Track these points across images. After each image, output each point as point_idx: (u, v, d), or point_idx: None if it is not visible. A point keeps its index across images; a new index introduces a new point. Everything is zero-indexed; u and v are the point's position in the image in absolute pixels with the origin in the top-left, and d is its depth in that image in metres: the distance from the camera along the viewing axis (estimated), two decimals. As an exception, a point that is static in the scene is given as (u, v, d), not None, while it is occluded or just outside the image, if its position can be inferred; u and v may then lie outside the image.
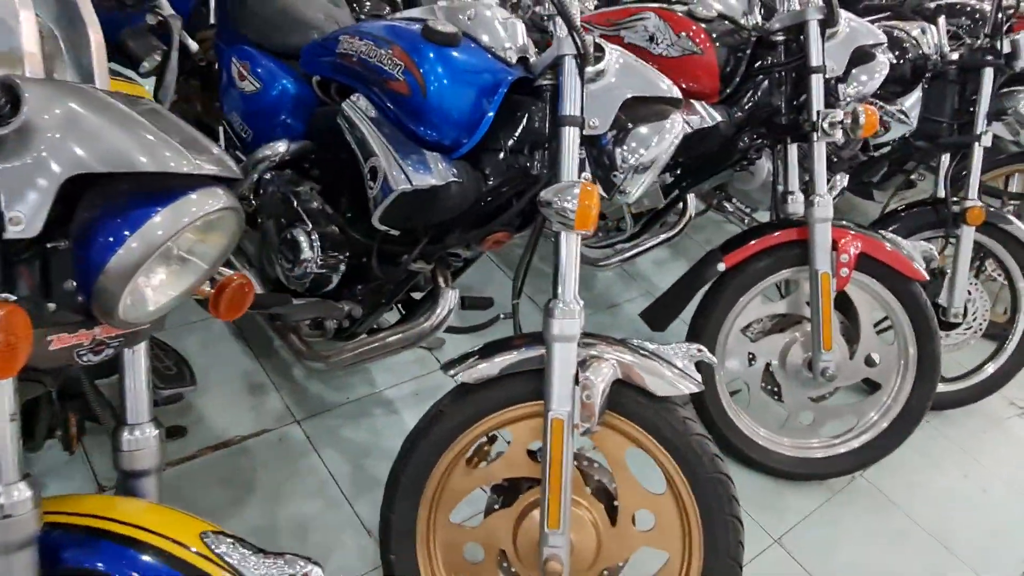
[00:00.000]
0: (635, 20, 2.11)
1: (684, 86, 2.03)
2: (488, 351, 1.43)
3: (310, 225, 1.69)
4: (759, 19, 2.07)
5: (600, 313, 2.67)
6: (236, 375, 2.07)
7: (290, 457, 1.90)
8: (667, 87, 1.42)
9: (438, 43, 1.46)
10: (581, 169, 1.43)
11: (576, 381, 1.34)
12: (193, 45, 1.38)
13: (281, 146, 1.75)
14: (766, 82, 2.05)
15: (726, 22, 2.06)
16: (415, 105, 1.48)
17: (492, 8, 1.51)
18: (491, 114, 1.46)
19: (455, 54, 1.46)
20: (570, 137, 1.34)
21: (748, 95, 2.08)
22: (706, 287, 2.10)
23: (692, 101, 2.07)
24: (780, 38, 2.02)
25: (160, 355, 1.76)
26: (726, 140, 2.12)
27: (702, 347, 1.46)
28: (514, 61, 1.48)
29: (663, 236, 2.43)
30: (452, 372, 1.43)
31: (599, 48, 1.37)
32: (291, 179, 1.79)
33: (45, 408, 1.26)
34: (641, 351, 1.43)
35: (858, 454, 2.18)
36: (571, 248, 1.35)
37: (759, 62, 2.05)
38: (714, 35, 2.01)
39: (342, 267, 1.72)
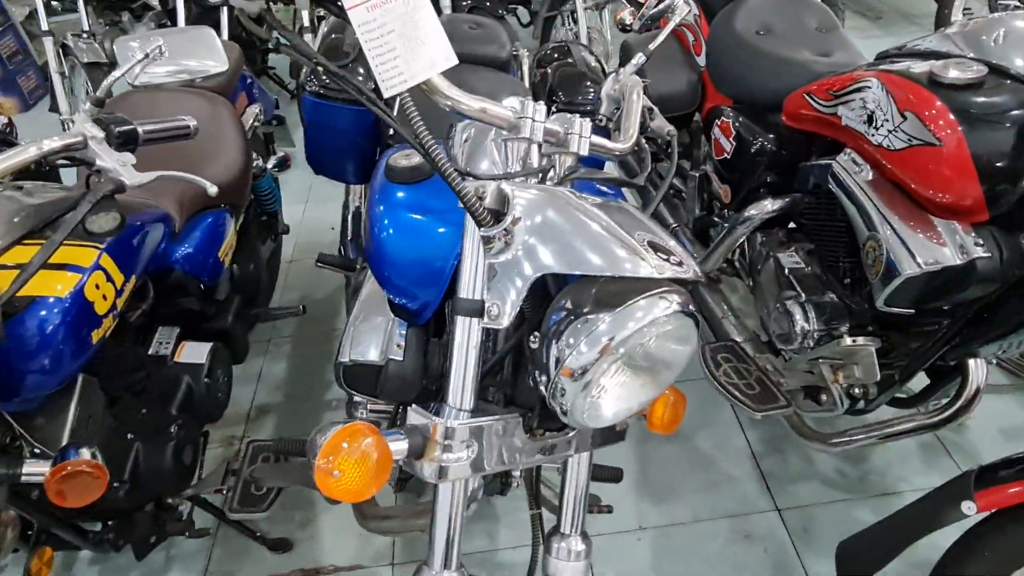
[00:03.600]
0: (853, 90, 1.37)
1: (922, 193, 1.25)
2: None
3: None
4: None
5: (860, 501, 1.81)
6: (368, 495, 1.99)
7: (365, 603, 1.75)
8: (633, 262, 0.83)
9: (395, 180, 1.15)
10: (513, 370, 0.96)
11: None
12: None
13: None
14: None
15: (1005, 80, 1.18)
16: (370, 259, 1.19)
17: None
18: (451, 268, 1.09)
19: (413, 194, 1.13)
20: (465, 330, 0.90)
21: (1050, 210, 1.15)
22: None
23: (935, 221, 1.24)
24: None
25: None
26: (1011, 284, 1.21)
27: None
28: None
29: (927, 420, 1.52)
30: None
31: (503, 199, 0.88)
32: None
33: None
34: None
35: None
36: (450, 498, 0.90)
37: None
38: (971, 111, 1.16)
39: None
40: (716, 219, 1.99)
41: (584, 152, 1.02)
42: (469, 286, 0.90)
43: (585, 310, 0.85)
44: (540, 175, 0.97)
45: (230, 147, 1.98)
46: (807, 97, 1.55)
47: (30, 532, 1.43)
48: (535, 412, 0.95)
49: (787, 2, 1.97)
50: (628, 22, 2.36)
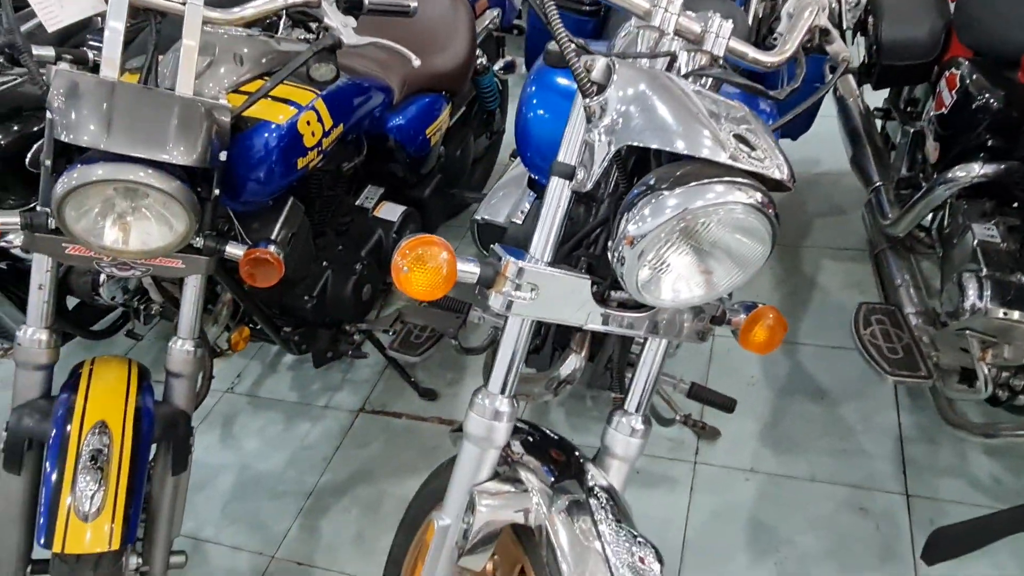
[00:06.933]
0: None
1: None
2: None
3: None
4: None
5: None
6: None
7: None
8: (712, 148, 0.86)
9: (552, 65, 1.24)
10: (604, 245, 1.04)
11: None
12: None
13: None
14: None
15: None
16: (516, 134, 1.31)
17: None
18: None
19: (564, 77, 1.23)
20: (555, 189, 1.00)
21: None
22: None
23: None
24: None
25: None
26: None
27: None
28: None
29: None
30: None
31: (608, 74, 0.94)
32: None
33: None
34: (596, 519, 0.99)
35: None
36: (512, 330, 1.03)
37: None
38: None
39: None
40: (922, 181, 1.82)
41: (719, 52, 1.04)
42: (566, 151, 0.99)
43: (663, 187, 0.91)
44: (660, 61, 1.02)
45: (457, 41, 2.20)
46: (1044, 49, 1.36)
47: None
48: (607, 282, 1.03)
49: (1079, -56, 1.69)
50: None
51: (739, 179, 0.88)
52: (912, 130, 1.84)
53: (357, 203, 2.03)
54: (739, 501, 1.74)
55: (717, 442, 1.88)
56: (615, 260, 0.93)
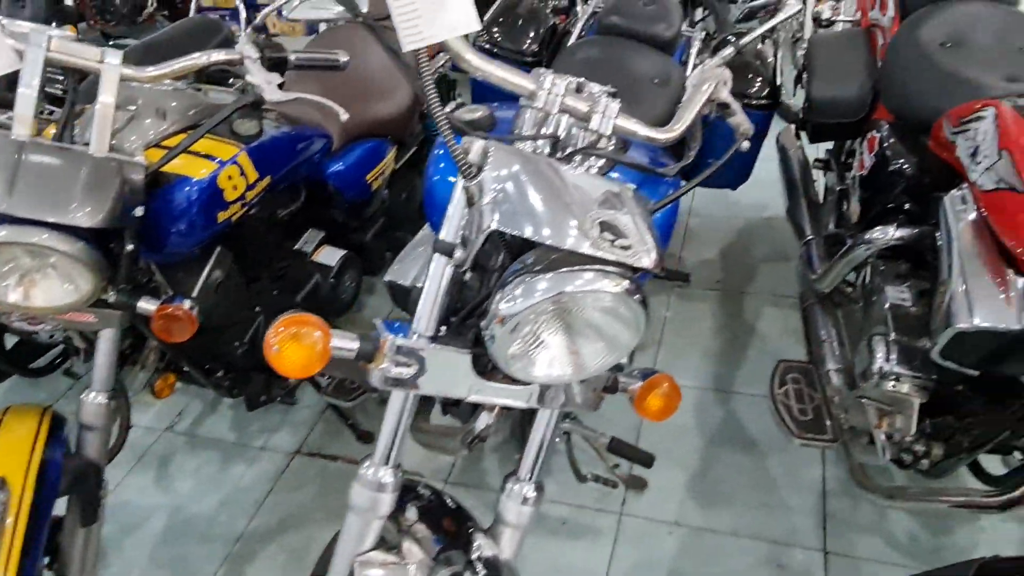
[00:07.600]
0: (974, 119, 1.22)
1: (1003, 242, 1.12)
2: None
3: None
4: None
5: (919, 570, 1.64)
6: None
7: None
8: (577, 238, 0.88)
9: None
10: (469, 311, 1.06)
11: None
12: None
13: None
14: None
15: None
16: (424, 198, 1.33)
17: None
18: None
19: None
20: (438, 266, 1.01)
21: None
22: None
23: (1017, 279, 1.10)
24: None
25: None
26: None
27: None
28: None
29: (983, 499, 1.33)
30: None
31: (484, 156, 0.96)
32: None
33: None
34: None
35: None
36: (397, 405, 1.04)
37: None
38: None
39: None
40: (847, 238, 1.86)
41: (606, 131, 1.06)
42: (448, 229, 1.01)
43: (536, 268, 0.93)
44: (550, 144, 1.04)
45: (402, 87, 2.23)
46: (944, 121, 1.40)
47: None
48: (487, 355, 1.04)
49: (997, 14, 1.74)
50: (826, 16, 2.23)
51: (608, 267, 0.90)
52: (839, 188, 1.88)
53: (296, 247, 2.04)
54: (661, 554, 1.74)
55: (645, 493, 1.89)
56: (487, 336, 0.94)
